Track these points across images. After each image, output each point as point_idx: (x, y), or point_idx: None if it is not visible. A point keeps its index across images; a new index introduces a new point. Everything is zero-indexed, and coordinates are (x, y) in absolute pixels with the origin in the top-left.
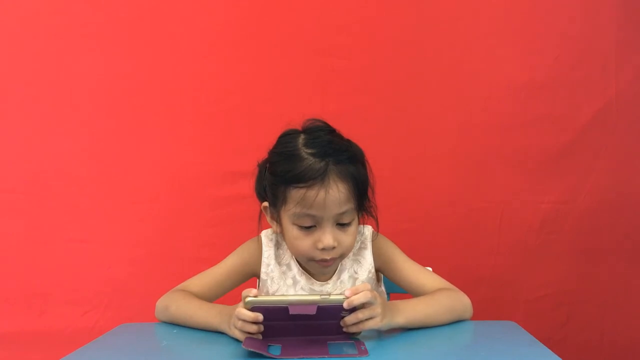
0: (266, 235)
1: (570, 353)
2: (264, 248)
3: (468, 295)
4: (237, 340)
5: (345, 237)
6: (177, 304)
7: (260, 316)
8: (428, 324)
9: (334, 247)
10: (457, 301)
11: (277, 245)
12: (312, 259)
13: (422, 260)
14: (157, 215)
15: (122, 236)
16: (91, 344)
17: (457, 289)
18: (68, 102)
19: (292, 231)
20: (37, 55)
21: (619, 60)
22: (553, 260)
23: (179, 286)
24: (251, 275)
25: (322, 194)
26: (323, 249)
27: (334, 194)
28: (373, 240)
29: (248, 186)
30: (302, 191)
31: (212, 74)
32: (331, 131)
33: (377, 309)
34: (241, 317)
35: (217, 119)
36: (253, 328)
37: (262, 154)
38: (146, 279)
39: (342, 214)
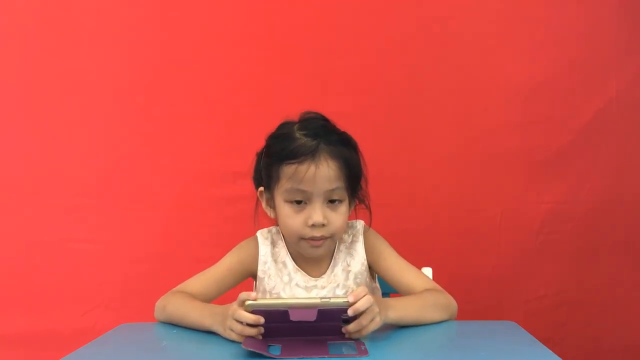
0: (262, 234)
1: (570, 353)
2: (261, 246)
3: (468, 295)
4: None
5: (335, 216)
6: (174, 305)
7: (261, 319)
8: (418, 322)
9: (323, 225)
10: (445, 302)
11: (273, 244)
12: (302, 237)
13: (422, 260)
14: (158, 215)
15: (122, 236)
16: (91, 344)
17: (443, 290)
18: (69, 102)
19: (284, 209)
20: (37, 55)
21: (619, 60)
22: (553, 260)
23: (177, 287)
24: (248, 274)
25: (312, 169)
26: (313, 226)
27: (324, 169)
28: (365, 234)
29: (248, 186)
30: (293, 167)
31: (213, 74)
32: (325, 119)
33: (375, 309)
34: (241, 319)
35: (218, 119)
36: (252, 332)
37: None
38: (146, 279)
39: (332, 190)
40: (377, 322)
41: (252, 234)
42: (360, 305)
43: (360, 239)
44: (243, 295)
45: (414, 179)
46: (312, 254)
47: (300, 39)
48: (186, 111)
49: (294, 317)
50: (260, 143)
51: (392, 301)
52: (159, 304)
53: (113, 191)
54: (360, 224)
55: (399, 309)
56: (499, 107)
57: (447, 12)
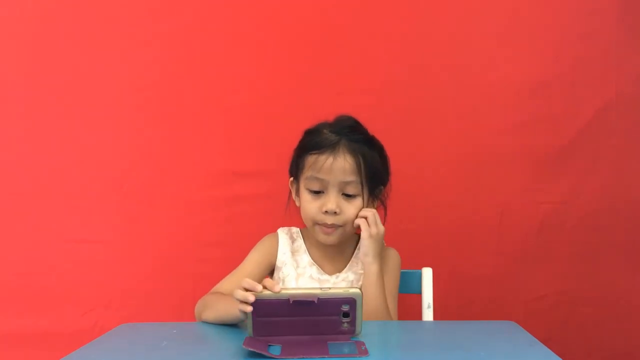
0: (282, 230)
1: (570, 353)
2: (280, 241)
3: (468, 295)
4: (237, 340)
5: (348, 206)
6: (208, 304)
7: (258, 287)
8: (369, 292)
9: (335, 213)
10: (385, 317)
11: (292, 239)
12: (316, 222)
13: (422, 260)
14: (158, 215)
15: (122, 236)
16: (91, 344)
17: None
18: (69, 102)
19: (305, 195)
20: (38, 55)
21: (619, 60)
22: (553, 260)
23: (212, 289)
24: (271, 267)
25: (330, 159)
26: (326, 212)
27: (340, 161)
28: (386, 252)
29: (250, 186)
30: (314, 156)
31: (213, 74)
32: (355, 121)
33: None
34: (237, 296)
35: (218, 120)
36: (250, 297)
37: (264, 154)
38: (146, 279)
39: (347, 183)
40: (371, 229)
41: (254, 233)
42: (365, 211)
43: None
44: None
45: (414, 179)
46: (324, 241)
47: (300, 39)
48: (186, 111)
49: (294, 299)
50: (260, 143)
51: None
52: (196, 307)
53: (113, 191)
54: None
55: (375, 273)
56: (499, 107)
57: (448, 12)
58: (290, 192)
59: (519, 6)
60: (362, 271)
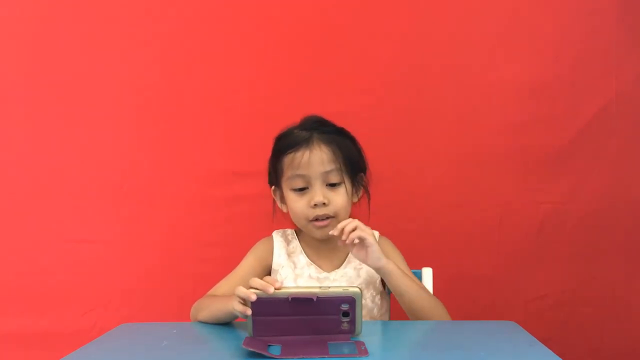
0: (277, 233)
1: (570, 353)
2: (275, 244)
3: (468, 295)
4: (237, 340)
5: (335, 196)
6: (204, 305)
7: (273, 285)
8: (405, 292)
9: (324, 204)
10: (437, 304)
11: (287, 242)
12: (307, 219)
13: (422, 260)
14: (158, 215)
15: (122, 236)
16: (91, 344)
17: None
18: (69, 102)
19: (290, 196)
20: (39, 54)
21: (619, 60)
22: (553, 260)
23: (208, 292)
24: (267, 270)
25: (307, 154)
26: (315, 206)
27: (317, 153)
28: (380, 242)
29: (250, 186)
30: (291, 155)
31: (213, 74)
32: (321, 118)
33: (362, 226)
34: (240, 294)
35: (218, 120)
36: (252, 296)
37: (264, 154)
38: (146, 279)
39: (328, 172)
40: (370, 238)
41: (254, 233)
42: (344, 223)
43: None
44: (266, 278)
45: (414, 179)
46: (322, 235)
47: (300, 39)
48: (187, 111)
49: (294, 296)
50: (260, 143)
51: (392, 260)
52: (193, 308)
53: (113, 191)
54: (375, 234)
55: (396, 267)
56: (499, 107)
57: (448, 12)
58: (274, 202)
59: (519, 6)
60: (360, 266)
